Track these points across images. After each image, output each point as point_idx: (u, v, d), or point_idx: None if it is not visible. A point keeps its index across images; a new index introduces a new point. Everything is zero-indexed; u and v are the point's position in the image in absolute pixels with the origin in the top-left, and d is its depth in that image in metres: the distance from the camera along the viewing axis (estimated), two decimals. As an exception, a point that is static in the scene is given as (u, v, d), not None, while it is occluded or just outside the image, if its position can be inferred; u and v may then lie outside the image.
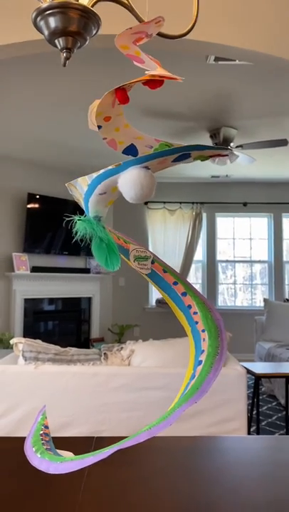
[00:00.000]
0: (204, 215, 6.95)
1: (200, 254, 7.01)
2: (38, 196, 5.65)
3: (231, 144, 4.56)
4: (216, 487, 0.86)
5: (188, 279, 5.25)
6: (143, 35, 0.59)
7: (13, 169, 5.56)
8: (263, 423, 3.04)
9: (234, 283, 7.09)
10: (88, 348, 6.12)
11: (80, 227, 0.57)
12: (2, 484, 0.87)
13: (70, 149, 5.21)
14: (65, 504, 0.76)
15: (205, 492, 0.82)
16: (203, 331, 0.58)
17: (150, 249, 6.78)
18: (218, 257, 7.03)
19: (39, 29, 0.64)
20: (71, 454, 0.60)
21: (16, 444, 1.03)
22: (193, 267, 6.87)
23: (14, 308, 5.46)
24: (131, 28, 0.56)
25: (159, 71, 0.55)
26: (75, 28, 0.62)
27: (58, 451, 0.61)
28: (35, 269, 5.61)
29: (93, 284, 6.18)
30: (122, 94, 0.54)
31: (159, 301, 6.75)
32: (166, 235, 6.92)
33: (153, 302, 6.85)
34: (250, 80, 3.47)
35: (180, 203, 6.87)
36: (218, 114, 4.19)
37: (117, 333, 6.33)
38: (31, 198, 5.59)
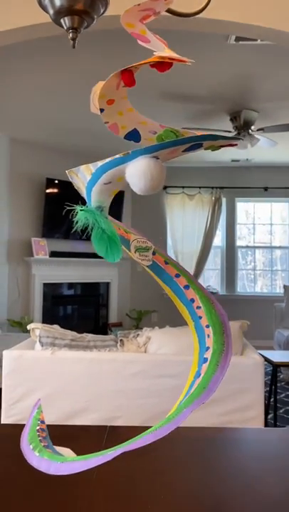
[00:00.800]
0: (224, 200, 6.85)
1: (219, 239, 6.93)
2: (56, 181, 5.65)
3: (252, 127, 4.45)
4: (231, 480, 0.85)
5: (206, 265, 5.21)
6: (151, 13, 0.56)
7: (31, 154, 5.56)
8: (281, 411, 3.02)
9: (254, 269, 7.01)
10: (106, 332, 6.17)
11: (81, 217, 0.55)
12: (13, 472, 0.87)
13: (90, 133, 5.17)
14: (76, 495, 0.75)
15: (220, 485, 0.81)
16: (207, 326, 0.55)
17: (168, 234, 6.75)
18: (238, 243, 6.95)
19: (44, 8, 0.61)
20: (70, 451, 0.58)
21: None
22: (212, 252, 6.81)
23: (33, 292, 5.52)
24: (139, 5, 0.53)
25: (167, 53, 0.52)
26: (82, 6, 0.59)
27: (56, 448, 0.59)
28: (54, 254, 5.64)
29: (111, 270, 6.18)
30: (128, 76, 0.51)
31: (177, 287, 6.73)
32: (185, 220, 6.85)
33: (171, 288, 6.83)
34: (273, 61, 3.36)
35: (199, 187, 6.78)
36: (239, 97, 4.09)
37: (135, 318, 6.34)
38: (50, 182, 5.59)
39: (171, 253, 6.85)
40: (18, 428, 1.14)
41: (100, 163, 0.52)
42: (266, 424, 2.22)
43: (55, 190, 5.68)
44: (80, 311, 6.17)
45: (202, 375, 0.50)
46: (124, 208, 6.30)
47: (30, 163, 5.53)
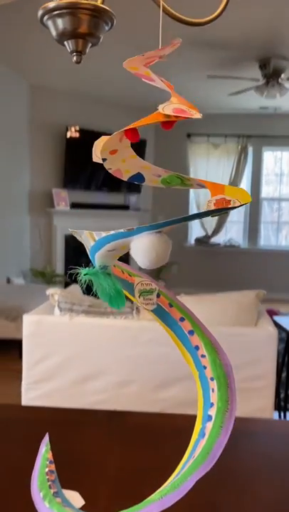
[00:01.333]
0: (250, 150, 6.63)
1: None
2: (77, 130, 5.53)
3: (282, 76, 4.21)
4: (231, 478, 0.88)
5: (229, 217, 5.12)
6: (156, 59, 0.52)
7: (51, 102, 5.41)
8: None
9: (278, 222, 6.89)
10: (127, 283, 6.27)
11: (85, 279, 0.54)
12: (25, 459, 0.93)
13: (111, 81, 4.98)
14: (81, 491, 0.80)
15: (214, 486, 0.84)
16: (212, 379, 0.55)
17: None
18: (263, 195, 6.79)
19: (46, 27, 0.57)
20: (77, 494, 0.60)
21: (40, 414, 1.10)
22: (235, 204, 6.68)
23: (55, 244, 5.60)
24: (143, 55, 0.50)
25: (174, 104, 0.49)
26: (86, 29, 0.55)
27: (64, 491, 0.61)
28: (74, 206, 5.65)
29: (132, 221, 6.17)
30: (132, 134, 0.49)
31: (198, 240, 6.71)
32: (209, 170, 6.69)
33: (192, 240, 6.82)
34: (308, 6, 3.11)
35: (225, 136, 6.55)
36: (269, 43, 3.83)
37: (155, 269, 6.40)
38: (70, 132, 5.48)
39: (193, 205, 6.77)
40: (34, 412, 1.20)
41: (103, 234, 0.51)
42: (276, 403, 2.27)
43: (76, 139, 5.57)
44: (101, 262, 6.24)
45: (206, 436, 0.50)
46: (145, 158, 6.17)
47: (50, 111, 5.41)
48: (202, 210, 0.48)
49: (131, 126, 0.47)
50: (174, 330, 0.60)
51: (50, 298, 2.21)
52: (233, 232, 6.96)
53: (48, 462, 0.64)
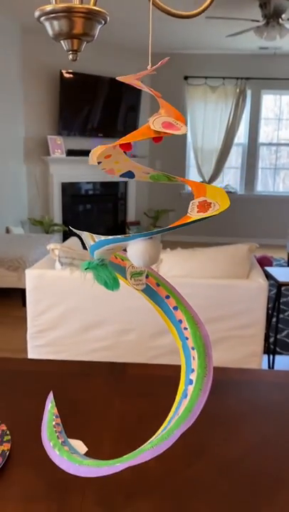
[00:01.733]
0: (249, 93, 6.46)
1: (241, 136, 6.69)
2: (71, 74, 5.37)
3: (282, 16, 4.04)
4: (218, 424, 1.00)
5: (227, 163, 5.14)
6: (146, 73, 0.56)
7: (44, 44, 5.21)
8: (283, 333, 3.22)
9: (275, 167, 6.85)
10: (124, 231, 6.34)
11: (86, 271, 0.61)
12: (29, 406, 1.04)
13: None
14: (86, 435, 0.92)
15: (206, 428, 0.96)
16: (193, 348, 0.63)
17: (188, 129, 6.52)
18: (261, 140, 6.70)
19: (43, 25, 0.61)
20: (81, 442, 0.70)
21: (46, 367, 1.20)
22: (233, 149, 6.62)
23: (52, 192, 5.60)
24: (136, 74, 0.54)
25: (163, 118, 0.53)
26: (80, 30, 0.59)
27: (69, 440, 0.71)
28: (70, 153, 5.59)
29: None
30: (126, 146, 0.54)
31: (195, 185, 6.70)
32: (206, 114, 6.56)
33: (189, 188, 6.80)
34: None
35: (223, 78, 6.37)
36: (270, -19, 3.66)
37: (153, 217, 6.45)
38: (64, 75, 5.32)
39: (190, 150, 6.70)
40: (40, 365, 1.31)
41: (103, 238, 0.57)
42: (266, 346, 2.41)
43: (71, 83, 5.42)
44: (98, 210, 6.28)
45: (188, 397, 0.60)
46: (141, 102, 6.04)
47: (43, 54, 5.22)
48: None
49: (124, 140, 0.53)
50: (160, 306, 0.68)
51: (50, 253, 2.29)
52: (230, 177, 6.94)
53: (54, 417, 0.73)
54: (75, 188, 5.92)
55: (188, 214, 0.54)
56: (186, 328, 0.65)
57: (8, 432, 0.88)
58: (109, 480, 0.74)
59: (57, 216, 5.65)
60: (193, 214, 0.54)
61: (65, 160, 5.56)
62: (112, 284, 0.61)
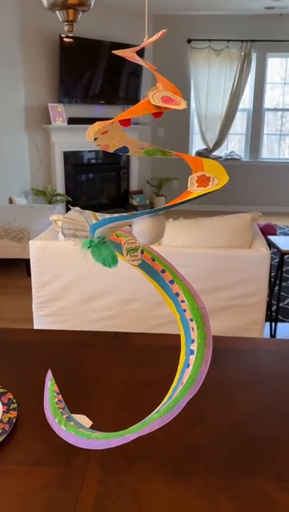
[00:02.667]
0: (254, 56, 6.28)
1: (246, 101, 6.54)
2: (71, 38, 5.22)
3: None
4: (217, 391, 1.03)
5: (232, 129, 5.07)
6: (143, 46, 0.55)
7: (42, 9, 5.03)
8: (285, 302, 3.25)
9: (281, 133, 6.73)
10: (128, 200, 6.31)
11: (88, 250, 0.61)
12: (35, 375, 1.07)
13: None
14: (90, 404, 0.95)
15: (203, 397, 0.99)
16: (191, 320, 0.65)
17: (192, 95, 6.38)
18: (266, 105, 6.55)
19: (38, -5, 0.59)
20: (85, 417, 0.71)
21: (52, 337, 1.23)
22: (238, 115, 6.49)
23: (54, 161, 5.55)
24: (132, 48, 0.53)
25: (162, 92, 0.53)
26: (76, 0, 0.57)
27: (73, 416, 0.73)
28: (72, 121, 5.50)
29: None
30: (126, 122, 0.54)
31: (198, 154, 6.61)
32: (210, 78, 6.40)
33: (193, 154, 6.71)
34: None
35: (227, 41, 6.18)
36: None
37: (156, 185, 6.40)
38: (64, 40, 5.17)
39: (194, 117, 6.57)
40: (44, 335, 1.33)
41: (107, 215, 0.57)
42: (268, 314, 2.44)
43: (71, 49, 5.28)
44: (101, 179, 6.23)
45: (190, 366, 0.61)
46: (143, 68, 5.88)
47: (42, 18, 5.05)
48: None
49: (124, 116, 0.52)
50: (157, 280, 0.69)
51: (53, 224, 2.29)
52: (235, 144, 6.83)
53: (55, 394, 0.75)
54: (77, 157, 5.86)
55: (188, 189, 0.55)
56: (183, 301, 0.66)
57: (14, 400, 0.91)
58: (112, 449, 0.77)
59: (59, 186, 5.62)
60: (194, 188, 0.55)
61: (66, 128, 5.48)
62: (111, 262, 0.62)
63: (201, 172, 0.56)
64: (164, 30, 0.58)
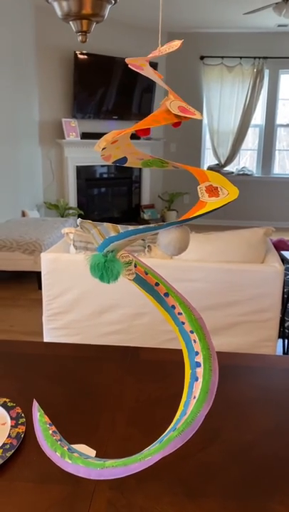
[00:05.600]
0: (266, 72, 6.31)
1: (258, 117, 6.55)
2: (85, 55, 5.30)
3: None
4: (231, 408, 1.00)
5: (244, 145, 5.07)
6: (156, 55, 0.55)
7: (58, 24, 5.14)
8: None
9: (292, 149, 6.71)
10: (139, 214, 6.32)
11: (102, 264, 0.59)
12: (44, 389, 1.05)
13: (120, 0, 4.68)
14: (99, 420, 0.93)
15: (219, 413, 0.96)
16: (191, 332, 0.63)
17: (204, 111, 6.41)
18: (278, 121, 6.56)
19: (51, 6, 0.59)
20: (85, 446, 0.67)
21: (62, 351, 1.22)
22: (250, 131, 6.50)
23: (67, 175, 5.59)
24: (145, 57, 0.52)
25: (177, 102, 0.52)
26: (90, 10, 0.57)
27: (73, 446, 0.66)
28: (85, 136, 5.56)
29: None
30: (145, 132, 0.54)
31: (210, 168, 6.62)
32: (223, 94, 6.44)
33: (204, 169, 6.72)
34: None
35: (240, 57, 6.22)
36: None
37: (167, 200, 6.41)
38: (78, 56, 5.25)
39: (206, 132, 6.60)
40: (55, 348, 1.32)
41: (131, 228, 0.56)
42: (281, 330, 2.40)
43: (85, 65, 5.36)
44: (113, 194, 6.26)
45: (200, 379, 0.59)
46: (156, 84, 5.94)
47: (57, 34, 5.15)
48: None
49: (145, 126, 0.52)
50: (152, 294, 0.68)
51: (65, 237, 2.29)
52: (246, 159, 6.83)
53: (47, 425, 0.69)
54: (89, 172, 5.90)
55: (200, 199, 0.55)
56: (180, 313, 0.65)
57: (23, 415, 0.90)
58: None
59: (72, 200, 5.66)
60: (206, 199, 0.55)
61: (79, 143, 5.53)
62: (110, 277, 0.60)
63: (207, 182, 0.56)
64: (179, 42, 0.58)
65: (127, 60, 0.53)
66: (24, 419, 0.88)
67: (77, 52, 5.19)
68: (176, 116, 0.52)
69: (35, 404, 0.73)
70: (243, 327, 2.14)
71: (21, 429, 0.85)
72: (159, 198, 6.49)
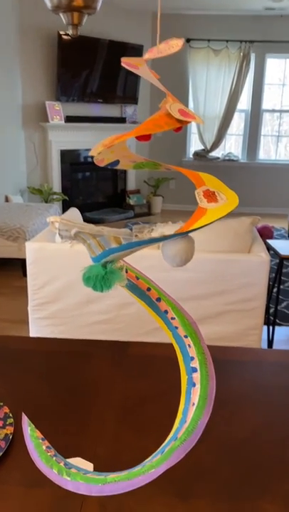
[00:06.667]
0: (253, 56, 6.25)
1: (244, 102, 6.51)
2: (69, 36, 5.16)
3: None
4: (222, 405, 1.00)
5: (229, 130, 5.05)
6: (154, 56, 0.52)
7: (40, 4, 4.98)
8: (283, 304, 3.23)
9: (279, 135, 6.71)
10: (124, 199, 6.27)
11: (103, 275, 0.57)
12: (32, 387, 1.03)
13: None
14: (90, 418, 0.92)
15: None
16: (185, 336, 0.62)
17: (190, 95, 6.34)
18: (264, 106, 6.53)
19: (42, -4, 0.56)
20: (82, 460, 0.64)
21: (49, 346, 1.20)
22: (236, 116, 6.46)
23: (51, 159, 5.50)
24: (144, 57, 0.50)
25: (176, 104, 0.50)
26: (81, 2, 0.54)
27: (69, 460, 0.64)
28: (69, 119, 5.46)
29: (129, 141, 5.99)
30: (145, 137, 0.52)
31: (196, 154, 6.58)
32: (209, 78, 6.37)
33: (190, 154, 6.68)
34: None
35: (226, 41, 6.14)
36: None
37: (153, 185, 6.37)
38: (62, 38, 5.12)
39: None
40: (41, 343, 1.30)
41: (134, 239, 0.54)
42: (266, 317, 2.41)
43: (69, 47, 5.22)
44: (98, 178, 6.19)
45: (198, 385, 0.58)
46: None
47: (40, 14, 4.99)
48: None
49: (146, 131, 0.49)
50: (143, 299, 0.66)
51: (50, 225, 2.26)
52: (231, 144, 6.80)
53: (40, 440, 0.65)
54: (74, 156, 5.81)
55: (199, 205, 0.53)
56: (173, 318, 0.64)
57: (11, 415, 0.88)
58: (111, 466, 0.74)
59: (56, 184, 5.57)
60: (205, 204, 0.53)
61: (64, 126, 5.43)
62: (103, 286, 0.58)
63: (204, 187, 0.54)
64: (180, 40, 0.55)
65: (122, 60, 0.50)
66: (12, 420, 0.87)
67: (61, 32, 5.05)
68: (178, 121, 0.50)
69: (25, 419, 0.69)
70: (230, 316, 2.15)
71: (9, 430, 0.84)
72: (145, 183, 6.44)
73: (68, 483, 0.57)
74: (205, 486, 0.75)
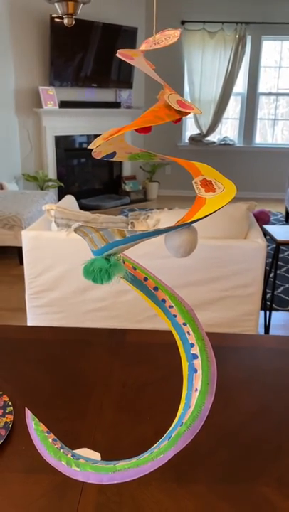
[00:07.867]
0: (248, 39, 6.17)
1: (240, 85, 6.45)
2: (62, 19, 5.07)
3: None
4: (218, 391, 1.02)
5: (225, 114, 5.03)
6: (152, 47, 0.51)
7: (32, -15, 4.90)
8: (279, 290, 3.25)
9: (275, 118, 6.66)
10: (120, 185, 6.25)
11: (108, 268, 0.56)
12: (30, 376, 1.05)
13: None
14: (88, 405, 0.93)
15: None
16: (184, 324, 0.62)
17: (185, 78, 6.27)
18: (260, 89, 6.47)
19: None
20: (89, 450, 0.65)
21: (47, 335, 1.21)
22: (232, 99, 6.41)
23: (45, 145, 5.45)
24: (141, 48, 0.49)
25: (173, 95, 0.50)
26: (74, -10, 0.53)
27: (76, 451, 0.65)
28: (63, 104, 5.40)
29: (125, 119, 5.95)
30: (145, 130, 0.51)
31: (192, 138, 6.54)
32: (204, 61, 6.30)
33: (186, 139, 6.64)
34: None
35: (222, 23, 6.06)
36: None
37: (149, 171, 6.33)
38: (55, 21, 5.03)
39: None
40: (39, 332, 1.31)
41: (139, 232, 0.54)
42: (262, 303, 2.43)
43: (62, 30, 5.14)
44: (93, 164, 6.15)
45: (199, 371, 0.59)
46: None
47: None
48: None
49: (146, 124, 0.49)
50: (141, 289, 0.67)
51: (46, 213, 2.25)
52: (227, 128, 6.76)
53: (46, 434, 0.66)
54: (69, 141, 5.76)
55: (198, 195, 0.53)
56: (171, 306, 0.64)
57: (10, 403, 0.89)
58: (110, 453, 0.75)
59: (51, 171, 5.54)
60: (203, 194, 0.53)
61: (58, 112, 5.37)
62: (104, 278, 0.58)
63: (201, 176, 0.55)
64: (177, 31, 0.55)
65: (118, 52, 0.50)
66: (12, 408, 0.88)
67: (54, 15, 4.96)
68: (178, 112, 0.50)
69: (29, 413, 0.69)
70: (227, 302, 2.17)
71: (9, 418, 0.85)
72: (141, 169, 6.40)
73: (78, 473, 0.58)
74: (203, 471, 0.77)
